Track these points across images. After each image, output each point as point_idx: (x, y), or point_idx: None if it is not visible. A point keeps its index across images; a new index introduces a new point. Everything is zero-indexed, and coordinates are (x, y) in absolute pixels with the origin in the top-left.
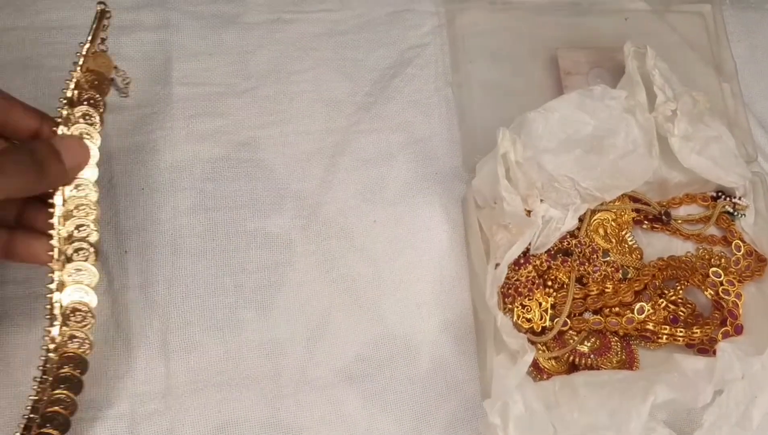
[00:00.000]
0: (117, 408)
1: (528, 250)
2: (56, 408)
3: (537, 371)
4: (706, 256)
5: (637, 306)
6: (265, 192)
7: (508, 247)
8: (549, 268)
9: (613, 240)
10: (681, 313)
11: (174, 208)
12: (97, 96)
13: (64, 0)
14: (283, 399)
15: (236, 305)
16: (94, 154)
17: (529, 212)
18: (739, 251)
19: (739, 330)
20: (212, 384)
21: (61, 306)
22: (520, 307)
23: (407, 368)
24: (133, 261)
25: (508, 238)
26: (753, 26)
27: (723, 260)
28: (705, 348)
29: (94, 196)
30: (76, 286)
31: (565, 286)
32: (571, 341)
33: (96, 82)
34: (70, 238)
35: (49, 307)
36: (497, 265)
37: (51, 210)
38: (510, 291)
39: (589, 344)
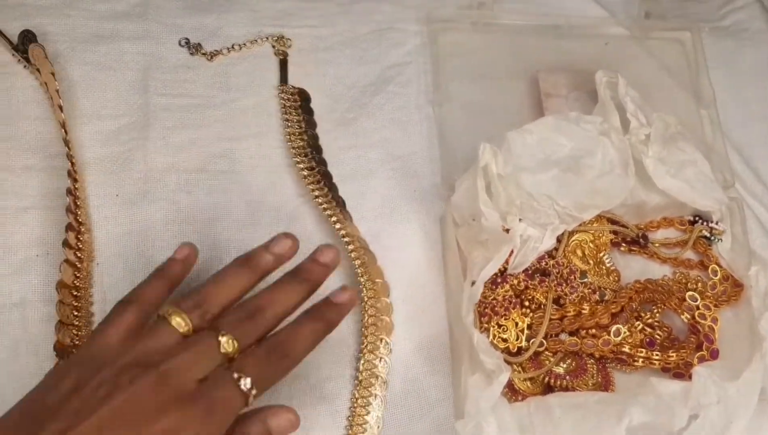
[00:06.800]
0: None
1: (505, 269)
2: None
3: (512, 393)
4: (683, 280)
5: (614, 328)
6: (241, 205)
7: (484, 264)
8: (526, 287)
9: (591, 262)
10: (657, 337)
11: (148, 220)
12: None
13: None
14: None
15: None
16: None
17: (508, 230)
18: (716, 276)
19: (714, 354)
20: None
21: None
22: (496, 327)
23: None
24: (105, 273)
25: (484, 256)
26: (731, 54)
27: (699, 284)
28: (681, 372)
29: None
30: None
31: (542, 306)
32: (547, 362)
33: None
34: None
35: None
36: (473, 282)
37: None
38: (486, 310)
39: (564, 366)
